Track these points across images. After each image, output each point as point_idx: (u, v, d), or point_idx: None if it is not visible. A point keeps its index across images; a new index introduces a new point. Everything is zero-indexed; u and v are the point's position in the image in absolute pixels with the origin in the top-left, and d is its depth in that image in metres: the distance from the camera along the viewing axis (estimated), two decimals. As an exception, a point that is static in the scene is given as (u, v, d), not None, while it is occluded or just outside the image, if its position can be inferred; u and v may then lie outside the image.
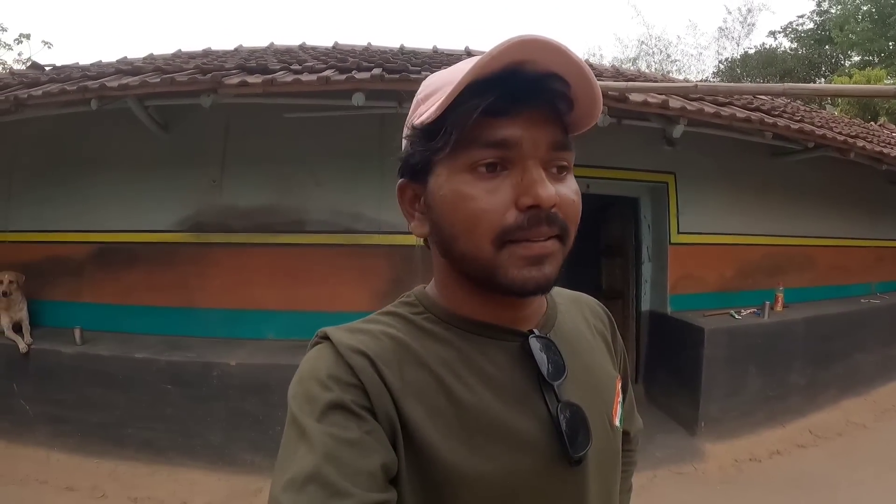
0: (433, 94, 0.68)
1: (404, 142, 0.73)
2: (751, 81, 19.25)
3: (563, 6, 42.25)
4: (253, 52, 6.06)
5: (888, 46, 17.51)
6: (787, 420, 4.92)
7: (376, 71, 3.74)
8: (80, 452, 4.03)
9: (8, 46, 14.33)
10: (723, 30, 21.91)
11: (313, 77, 3.61)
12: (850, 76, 13.94)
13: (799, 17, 21.31)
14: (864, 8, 18.17)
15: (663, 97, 4.07)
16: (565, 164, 0.68)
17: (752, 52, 21.04)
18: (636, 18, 36.32)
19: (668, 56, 21.92)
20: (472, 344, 0.72)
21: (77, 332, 4.18)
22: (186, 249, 4.51)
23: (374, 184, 4.36)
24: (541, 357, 0.72)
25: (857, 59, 18.75)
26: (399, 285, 4.32)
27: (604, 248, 6.36)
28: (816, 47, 20.12)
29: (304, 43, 7.14)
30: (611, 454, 0.79)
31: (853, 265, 6.53)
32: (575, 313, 0.89)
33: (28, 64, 8.34)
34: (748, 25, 21.29)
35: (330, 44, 7.15)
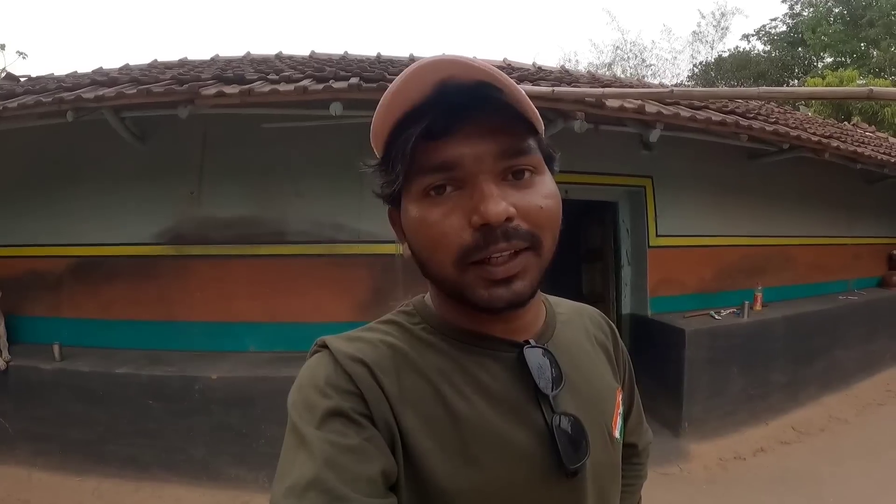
0: (374, 130, 0.69)
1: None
2: (725, 84, 19.55)
3: (538, 13, 42.55)
4: (230, 62, 6.03)
5: (860, 47, 17.83)
6: (770, 418, 4.98)
7: (353, 80, 3.74)
8: (62, 470, 3.96)
9: (-18, 58, 14.09)
10: (697, 34, 22.14)
11: (291, 87, 3.60)
12: (823, 77, 14.15)
13: (772, 20, 21.56)
14: (836, 10, 18.53)
15: (640, 102, 4.11)
16: (527, 168, 0.66)
17: (726, 55, 21.33)
18: (611, 24, 36.51)
19: (644, 61, 22.10)
20: (468, 354, 0.72)
21: (56, 348, 4.12)
22: (166, 262, 4.46)
23: (354, 193, 4.34)
24: (537, 368, 0.71)
25: (829, 60, 19.03)
26: (381, 295, 4.32)
27: (584, 252, 6.39)
28: (789, 50, 20.43)
29: (280, 52, 7.13)
30: (610, 466, 0.79)
31: (831, 263, 6.63)
32: (576, 324, 0.88)
33: (3, 75, 8.22)
34: (722, 29, 21.56)
35: (307, 52, 7.15)
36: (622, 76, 17.54)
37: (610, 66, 21.71)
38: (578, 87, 4.61)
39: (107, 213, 4.52)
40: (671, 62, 28.10)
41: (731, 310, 5.26)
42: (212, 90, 3.61)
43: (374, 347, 0.70)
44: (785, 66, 20.16)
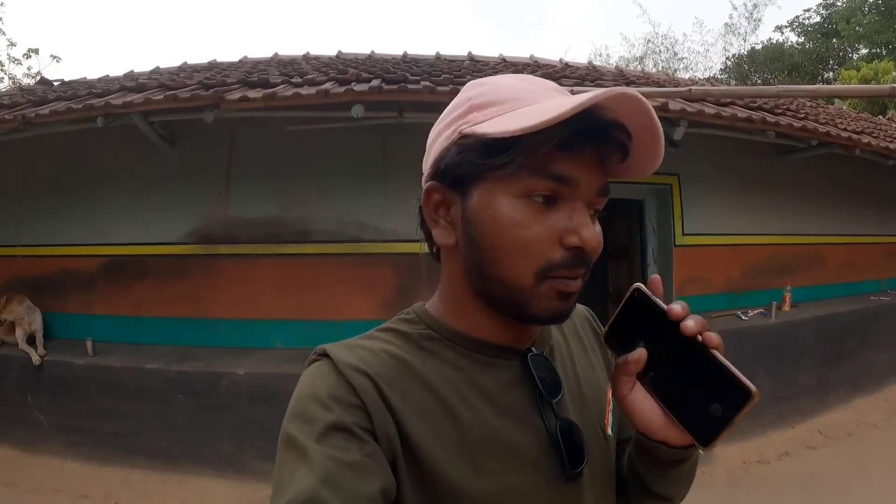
0: (494, 104, 0.66)
1: (446, 143, 0.69)
2: (759, 77, 19.15)
3: (570, 7, 42.18)
4: (257, 64, 6.12)
5: (896, 38, 17.35)
6: (797, 421, 4.89)
7: (375, 82, 3.77)
8: (93, 461, 4.09)
9: (17, 61, 14.44)
10: (729, 26, 21.66)
11: (313, 90, 3.64)
12: (858, 69, 13.81)
13: (805, 11, 21.12)
14: (871, 0, 18.02)
15: (663, 100, 4.07)
16: (601, 209, 0.69)
17: (759, 47, 20.86)
18: (642, 17, 35.86)
19: (675, 54, 21.69)
20: (472, 362, 0.72)
21: (89, 344, 4.24)
22: (195, 261, 4.56)
23: (377, 193, 4.40)
24: (539, 375, 0.72)
25: (864, 51, 18.53)
26: (405, 293, 4.36)
27: (610, 251, 6.35)
28: (823, 41, 19.95)
29: (307, 53, 7.21)
30: (606, 465, 0.80)
31: (862, 262, 6.48)
32: (567, 325, 0.89)
33: (37, 79, 8.45)
34: (754, 21, 21.04)
35: (334, 52, 7.20)
36: (653, 70, 17.31)
37: (641, 59, 21.38)
38: (602, 84, 4.58)
39: (137, 213, 4.65)
40: (703, 55, 27.67)
41: (759, 310, 5.19)
42: (236, 94, 3.67)
43: (377, 357, 0.68)
44: (819, 58, 19.69)
